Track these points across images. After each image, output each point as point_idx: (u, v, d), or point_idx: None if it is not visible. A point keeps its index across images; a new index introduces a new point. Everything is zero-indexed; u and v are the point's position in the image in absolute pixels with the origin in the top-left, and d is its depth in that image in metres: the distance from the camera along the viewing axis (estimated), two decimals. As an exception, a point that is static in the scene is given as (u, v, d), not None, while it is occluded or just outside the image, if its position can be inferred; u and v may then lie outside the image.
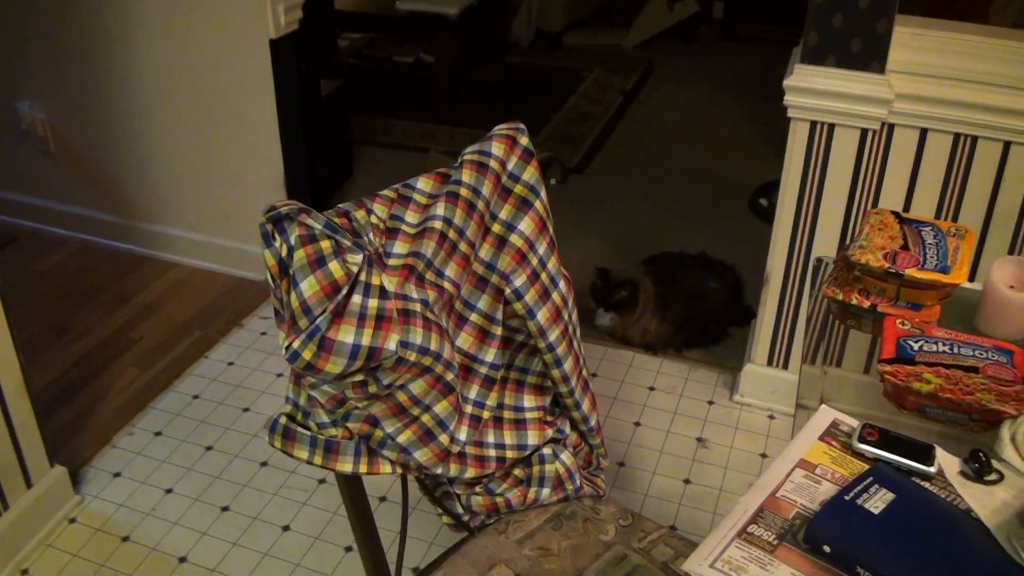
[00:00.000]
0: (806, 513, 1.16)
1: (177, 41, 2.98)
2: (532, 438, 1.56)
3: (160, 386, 2.79)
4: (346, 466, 1.36)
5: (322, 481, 2.43)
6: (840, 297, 1.53)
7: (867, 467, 1.22)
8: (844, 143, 2.33)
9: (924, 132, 2.33)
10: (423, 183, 1.41)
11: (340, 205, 1.34)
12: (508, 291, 1.46)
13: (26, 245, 3.52)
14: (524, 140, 1.45)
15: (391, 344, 1.25)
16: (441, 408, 1.38)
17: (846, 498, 1.15)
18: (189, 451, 2.55)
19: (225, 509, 2.37)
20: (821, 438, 1.29)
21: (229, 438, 2.59)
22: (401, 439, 1.36)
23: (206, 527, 2.32)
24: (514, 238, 1.44)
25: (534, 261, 1.46)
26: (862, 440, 1.26)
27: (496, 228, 1.45)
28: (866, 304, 1.52)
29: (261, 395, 2.74)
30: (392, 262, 1.34)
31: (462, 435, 1.44)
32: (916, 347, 1.39)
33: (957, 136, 2.30)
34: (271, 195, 3.11)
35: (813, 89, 2.28)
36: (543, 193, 1.47)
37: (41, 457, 2.28)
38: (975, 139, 2.29)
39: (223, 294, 3.21)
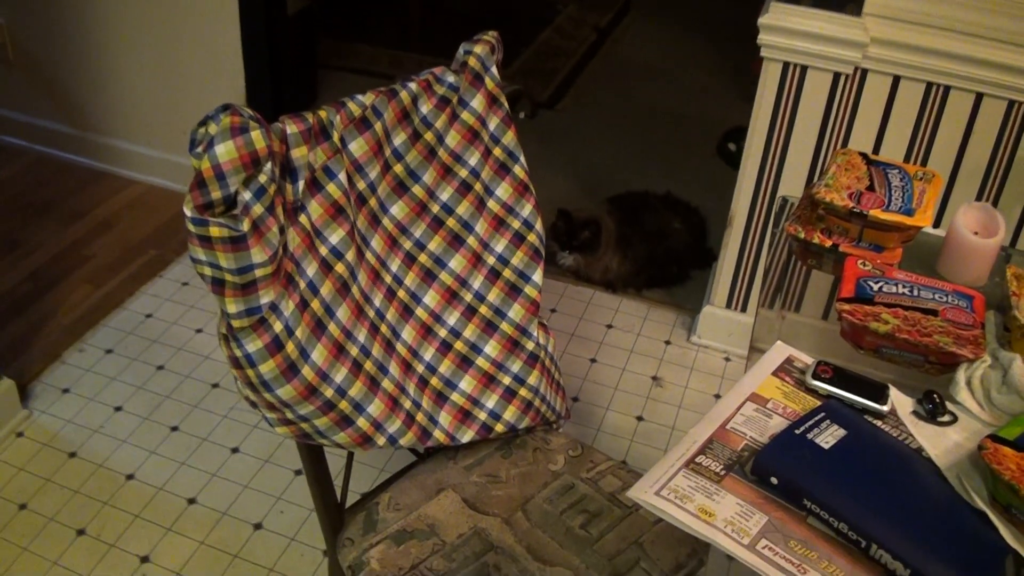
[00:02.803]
0: (755, 445, 1.15)
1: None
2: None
3: (112, 304, 2.74)
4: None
5: (274, 405, 2.41)
6: (802, 235, 1.51)
7: (819, 403, 1.22)
8: (816, 86, 2.31)
9: (897, 79, 2.31)
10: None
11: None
12: (519, 224, 1.50)
13: (-22, 155, 3.43)
14: (487, 81, 1.45)
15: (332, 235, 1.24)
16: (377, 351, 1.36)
17: (796, 432, 1.14)
18: (140, 370, 2.51)
19: (175, 429, 2.34)
20: (775, 373, 1.28)
21: (181, 358, 2.55)
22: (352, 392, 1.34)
23: (155, 446, 2.29)
24: (517, 169, 1.51)
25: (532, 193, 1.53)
26: (816, 377, 1.25)
27: (497, 152, 1.48)
28: (828, 244, 1.50)
29: (214, 316, 2.70)
30: (355, 148, 1.30)
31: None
32: (876, 288, 1.38)
33: (930, 85, 2.28)
34: (233, 114, 3.03)
35: (787, 28, 2.25)
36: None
37: (-12, 369, 2.24)
38: (948, 89, 2.27)
39: (179, 212, 3.13)
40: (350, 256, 1.30)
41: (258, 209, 1.15)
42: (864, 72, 2.31)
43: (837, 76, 2.28)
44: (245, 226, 1.13)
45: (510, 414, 1.54)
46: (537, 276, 1.54)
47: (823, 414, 1.18)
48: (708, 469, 1.10)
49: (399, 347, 1.40)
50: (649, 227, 2.95)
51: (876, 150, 2.41)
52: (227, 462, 2.25)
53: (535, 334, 1.55)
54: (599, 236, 2.85)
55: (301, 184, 1.23)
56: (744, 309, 2.67)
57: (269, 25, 3.06)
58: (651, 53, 4.75)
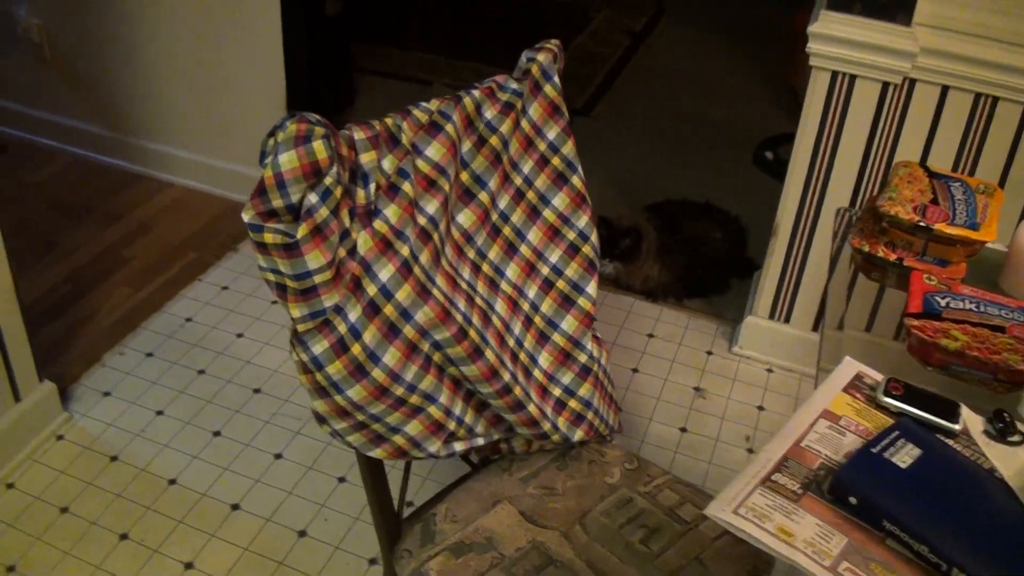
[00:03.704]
0: (830, 464, 1.13)
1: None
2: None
3: (152, 307, 2.74)
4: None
5: (315, 410, 2.40)
6: (866, 249, 1.49)
7: (891, 421, 1.20)
8: (864, 95, 2.29)
9: (945, 89, 2.28)
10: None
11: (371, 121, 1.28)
12: (574, 235, 1.51)
13: (15, 156, 3.44)
14: (549, 90, 1.44)
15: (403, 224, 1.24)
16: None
17: (873, 451, 1.12)
18: (181, 374, 2.51)
19: (217, 434, 2.34)
20: (845, 390, 1.26)
21: (222, 363, 2.55)
22: (424, 385, 1.33)
23: (197, 451, 2.29)
24: (575, 179, 1.52)
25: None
26: (887, 394, 1.23)
27: (556, 161, 1.49)
28: (892, 257, 1.48)
29: (255, 321, 2.70)
30: (422, 164, 1.29)
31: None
32: (943, 303, 1.36)
33: (978, 96, 2.26)
34: (272, 117, 3.02)
35: (837, 37, 2.23)
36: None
37: (30, 371, 2.24)
38: (996, 100, 2.26)
39: (218, 216, 3.15)
40: (424, 258, 1.28)
41: (324, 212, 1.15)
42: (912, 82, 2.29)
43: (886, 86, 2.26)
44: (300, 232, 1.13)
45: (561, 424, 1.52)
46: (591, 288, 1.53)
47: (897, 432, 1.16)
48: (785, 488, 1.09)
49: (488, 353, 1.39)
50: (689, 236, 2.94)
51: (923, 161, 2.39)
52: (270, 468, 2.25)
53: (588, 346, 1.53)
54: (640, 244, 2.83)
55: (373, 187, 1.22)
56: (788, 320, 2.64)
57: (309, 26, 3.06)
58: (686, 58, 4.72)
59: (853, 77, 2.27)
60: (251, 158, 3.13)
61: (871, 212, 1.53)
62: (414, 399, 1.32)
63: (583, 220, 1.51)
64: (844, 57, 2.24)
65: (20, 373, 2.20)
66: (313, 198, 1.13)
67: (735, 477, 1.10)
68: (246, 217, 1.13)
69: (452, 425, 1.39)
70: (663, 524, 1.46)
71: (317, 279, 1.17)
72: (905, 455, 1.12)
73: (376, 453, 1.37)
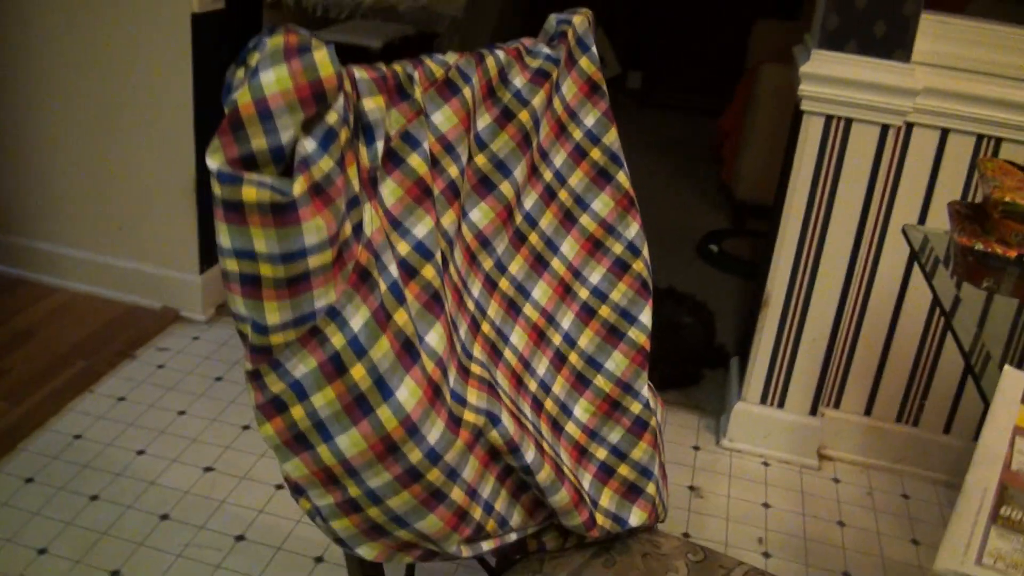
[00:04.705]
0: (1057, 495, 0.79)
1: (74, 14, 2.52)
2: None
3: (33, 424, 2.25)
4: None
5: (240, 538, 1.94)
6: (980, 247, 1.19)
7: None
8: (862, 141, 2.06)
9: (945, 133, 2.10)
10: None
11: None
12: (621, 248, 1.17)
13: None
14: (586, 63, 1.16)
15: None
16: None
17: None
18: (68, 502, 2.02)
19: (115, 574, 1.85)
20: (1024, 404, 0.93)
21: (120, 486, 2.07)
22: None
23: (90, 594, 1.80)
24: (620, 176, 1.19)
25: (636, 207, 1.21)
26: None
27: (596, 154, 1.18)
28: (1012, 254, 1.18)
29: (160, 435, 2.23)
30: (440, 122, 0.95)
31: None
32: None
33: (980, 138, 2.09)
34: (178, 207, 2.63)
35: (831, 77, 2.01)
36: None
37: None
38: (999, 141, 2.09)
39: (112, 322, 2.69)
40: (436, 261, 0.91)
41: (326, 163, 0.77)
42: (910, 127, 2.10)
43: (885, 129, 2.04)
44: (297, 189, 0.75)
45: (608, 499, 1.15)
46: (645, 316, 1.18)
47: None
48: (1023, 524, 0.74)
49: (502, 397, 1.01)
50: (659, 323, 2.62)
51: (924, 212, 2.17)
52: (187, 609, 1.77)
53: (643, 393, 1.18)
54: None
55: (380, 145, 0.86)
56: (782, 404, 2.32)
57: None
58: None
59: (849, 121, 2.05)
60: (151, 255, 2.72)
61: (967, 211, 1.24)
62: (433, 475, 0.90)
63: (633, 229, 1.17)
64: (839, 99, 2.02)
65: None
66: (309, 145, 0.76)
67: (951, 519, 0.75)
68: (214, 164, 0.75)
69: (478, 513, 0.98)
70: (761, 624, 1.08)
71: (313, 261, 0.78)
72: None
73: (367, 551, 0.95)
